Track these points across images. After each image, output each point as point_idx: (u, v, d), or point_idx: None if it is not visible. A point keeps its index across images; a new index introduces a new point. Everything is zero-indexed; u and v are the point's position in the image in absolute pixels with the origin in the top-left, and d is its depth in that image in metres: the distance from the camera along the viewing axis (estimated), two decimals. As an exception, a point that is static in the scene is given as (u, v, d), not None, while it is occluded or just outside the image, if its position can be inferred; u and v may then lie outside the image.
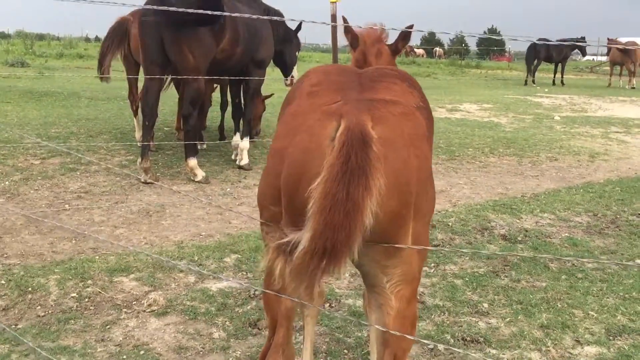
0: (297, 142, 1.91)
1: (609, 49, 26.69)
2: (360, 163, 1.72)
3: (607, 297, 4.07)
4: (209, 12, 4.63)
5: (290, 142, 1.93)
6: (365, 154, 1.73)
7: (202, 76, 6.47)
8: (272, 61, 8.16)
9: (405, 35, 3.21)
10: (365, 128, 1.78)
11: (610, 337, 3.55)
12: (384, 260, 1.94)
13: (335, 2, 5.50)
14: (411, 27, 3.19)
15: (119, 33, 7.79)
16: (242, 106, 7.67)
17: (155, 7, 6.07)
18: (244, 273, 4.26)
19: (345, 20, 3.29)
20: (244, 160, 7.41)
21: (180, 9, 5.36)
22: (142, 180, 6.41)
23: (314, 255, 1.70)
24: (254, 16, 6.22)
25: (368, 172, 1.73)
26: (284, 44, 8.15)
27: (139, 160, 6.57)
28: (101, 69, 7.87)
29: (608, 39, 27.53)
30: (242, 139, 7.45)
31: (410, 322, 2.04)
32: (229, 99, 8.16)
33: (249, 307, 3.74)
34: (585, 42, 16.92)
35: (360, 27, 3.21)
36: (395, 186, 1.80)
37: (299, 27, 8.36)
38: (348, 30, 3.21)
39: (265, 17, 6.94)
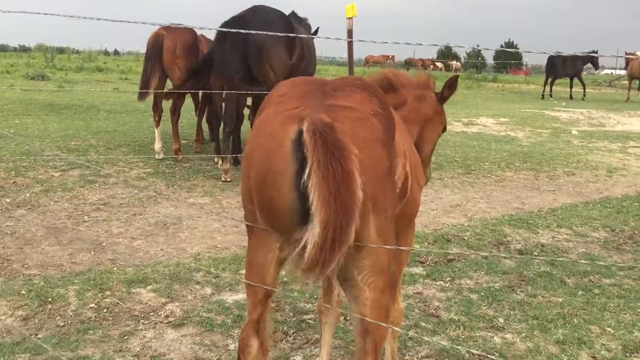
0: (261, 144, 2.06)
1: (627, 63, 26.52)
2: (335, 142, 1.87)
3: (624, 313, 4.04)
4: (288, 35, 4.98)
5: (256, 145, 2.09)
6: (336, 135, 1.88)
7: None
8: None
9: (451, 84, 3.19)
10: (327, 120, 1.93)
11: (627, 354, 3.52)
12: (352, 251, 2.02)
13: (352, 17, 5.57)
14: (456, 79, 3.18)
15: (156, 51, 7.93)
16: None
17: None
18: (260, 285, 4.29)
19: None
20: None
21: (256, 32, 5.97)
22: (223, 179, 7.15)
23: (324, 245, 1.83)
24: (311, 36, 7.08)
25: (344, 146, 1.88)
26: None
27: (220, 162, 7.29)
28: (145, 89, 7.97)
29: (626, 52, 27.36)
30: None
31: (385, 311, 2.20)
32: (245, 113, 8.28)
33: (264, 320, 3.76)
34: (597, 55, 16.94)
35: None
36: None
37: (315, 32, 8.62)
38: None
39: (310, 36, 7.71)
